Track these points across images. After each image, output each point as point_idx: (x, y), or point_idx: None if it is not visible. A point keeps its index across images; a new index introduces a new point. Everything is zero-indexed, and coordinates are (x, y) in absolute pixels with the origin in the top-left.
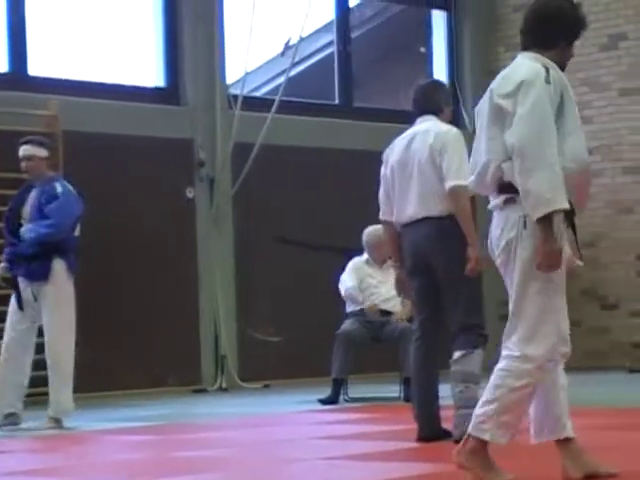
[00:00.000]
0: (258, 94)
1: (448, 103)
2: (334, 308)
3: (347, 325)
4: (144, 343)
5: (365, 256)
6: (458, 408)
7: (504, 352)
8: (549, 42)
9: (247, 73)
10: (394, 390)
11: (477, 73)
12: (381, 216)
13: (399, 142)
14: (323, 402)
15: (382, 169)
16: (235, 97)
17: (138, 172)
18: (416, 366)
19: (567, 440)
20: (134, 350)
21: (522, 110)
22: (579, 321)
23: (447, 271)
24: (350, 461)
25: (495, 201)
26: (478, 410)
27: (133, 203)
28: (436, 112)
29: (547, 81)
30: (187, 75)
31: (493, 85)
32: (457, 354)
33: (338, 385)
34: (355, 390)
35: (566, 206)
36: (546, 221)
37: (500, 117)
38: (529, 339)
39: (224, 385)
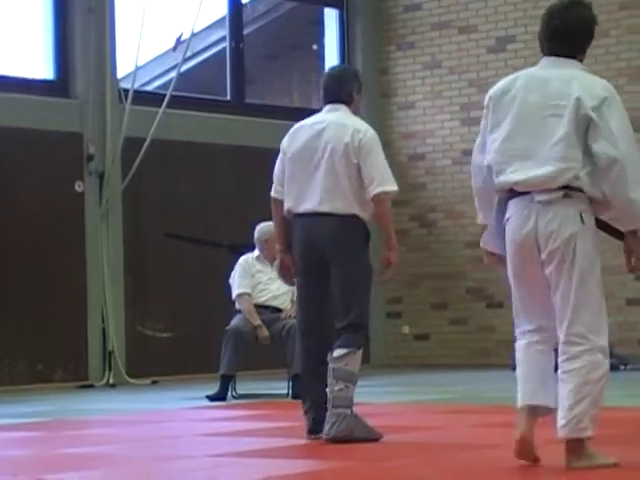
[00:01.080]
0: (149, 89)
1: (359, 91)
2: (223, 304)
3: (236, 321)
4: (29, 338)
5: (256, 252)
6: (335, 407)
7: (576, 348)
8: (586, 47)
9: (138, 67)
10: (282, 387)
11: (369, 71)
12: (273, 193)
13: (308, 127)
14: (211, 398)
15: (283, 146)
16: (126, 91)
17: (27, 165)
18: (304, 363)
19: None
20: (19, 345)
21: (617, 125)
22: (466, 319)
23: (346, 270)
24: (237, 458)
25: (550, 195)
26: (569, 413)
27: (21, 196)
28: (348, 101)
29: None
30: (77, 68)
31: (578, 93)
32: (341, 351)
33: (226, 381)
34: (243, 387)
35: None
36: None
37: (584, 127)
38: (597, 330)
39: (112, 381)
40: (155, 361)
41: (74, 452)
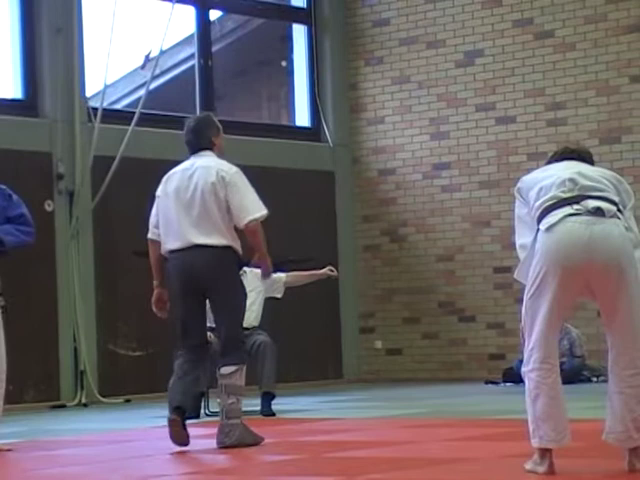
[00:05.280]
0: (118, 107)
1: (218, 134)
2: None
3: (208, 338)
4: None
5: None
6: (230, 418)
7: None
8: None
9: (107, 86)
10: (254, 404)
11: (338, 87)
12: (150, 235)
13: (179, 173)
14: None
15: (158, 193)
16: (95, 110)
17: None
18: (184, 387)
19: None
20: None
21: None
22: (437, 333)
23: (225, 295)
24: (211, 476)
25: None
26: (634, 421)
27: None
28: (210, 147)
29: None
30: (46, 87)
31: None
32: (230, 369)
33: (199, 399)
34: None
35: None
36: None
37: None
38: None
39: (84, 400)
40: (127, 380)
41: (45, 473)
